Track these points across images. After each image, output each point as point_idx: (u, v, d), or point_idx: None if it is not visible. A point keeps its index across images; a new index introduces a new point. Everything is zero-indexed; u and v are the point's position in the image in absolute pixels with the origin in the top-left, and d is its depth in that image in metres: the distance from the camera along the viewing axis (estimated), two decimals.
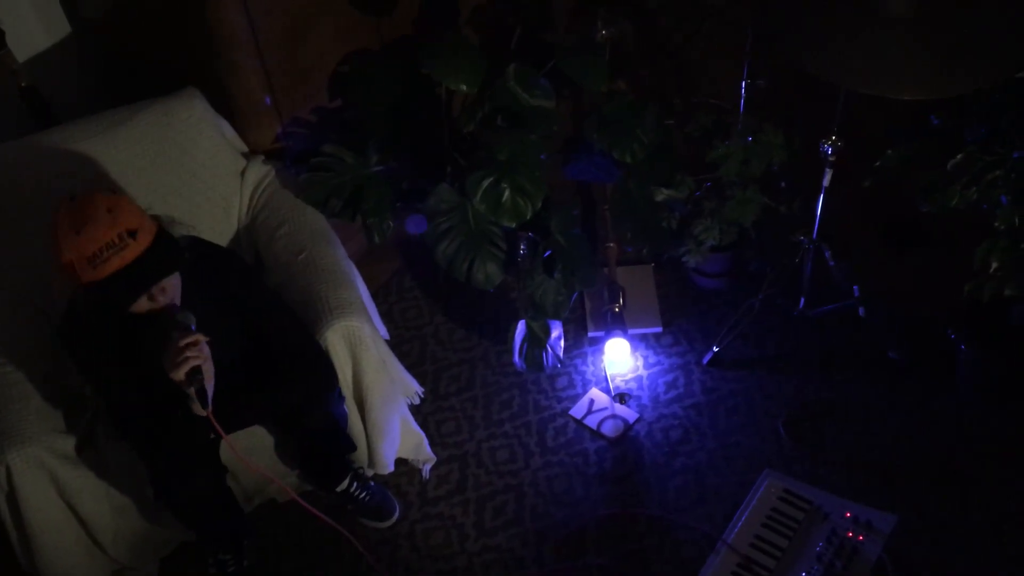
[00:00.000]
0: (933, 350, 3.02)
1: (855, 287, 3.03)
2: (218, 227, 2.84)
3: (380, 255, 3.36)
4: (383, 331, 3.01)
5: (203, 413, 2.18)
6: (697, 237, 3.10)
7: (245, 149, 2.94)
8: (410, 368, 3.08)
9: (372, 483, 2.85)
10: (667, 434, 2.99)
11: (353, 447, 2.74)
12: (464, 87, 2.79)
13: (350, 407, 2.68)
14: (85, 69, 3.16)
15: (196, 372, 2.13)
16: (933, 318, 3.04)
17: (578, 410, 3.08)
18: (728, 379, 3.10)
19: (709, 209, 3.09)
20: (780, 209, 3.05)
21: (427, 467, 2.96)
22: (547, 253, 2.88)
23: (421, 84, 2.92)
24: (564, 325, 3.22)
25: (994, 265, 2.49)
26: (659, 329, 3.26)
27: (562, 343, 3.19)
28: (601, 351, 3.18)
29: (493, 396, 3.13)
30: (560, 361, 3.14)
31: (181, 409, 2.21)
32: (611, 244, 3.27)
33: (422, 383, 3.12)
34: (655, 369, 3.16)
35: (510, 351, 3.03)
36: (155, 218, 2.17)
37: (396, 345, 3.21)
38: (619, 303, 3.21)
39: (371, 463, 2.83)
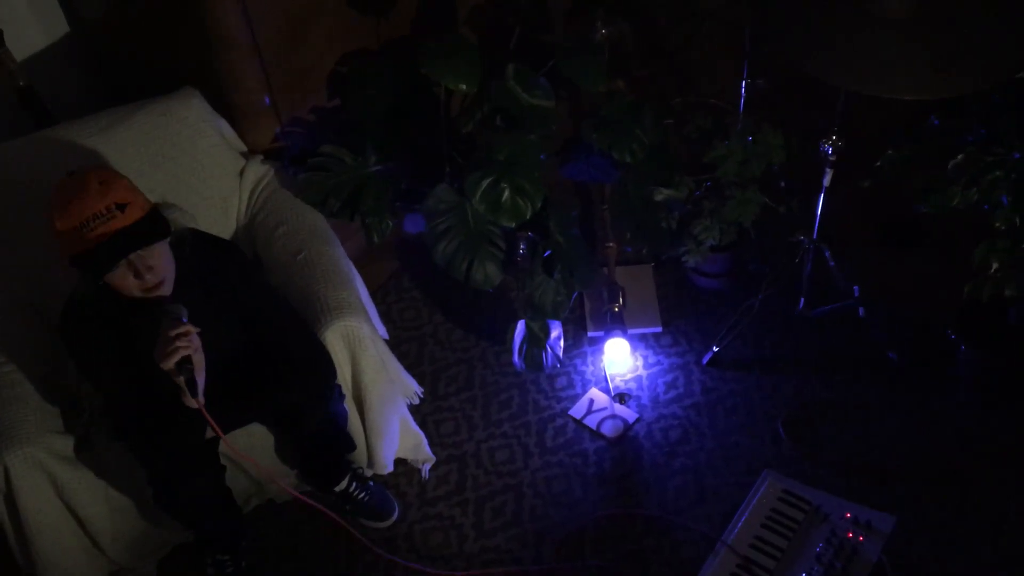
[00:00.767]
0: (933, 350, 3.02)
1: (855, 287, 3.03)
2: (216, 227, 2.83)
3: (379, 255, 3.36)
4: (382, 331, 3.01)
5: (194, 405, 2.17)
6: (696, 237, 3.10)
7: (244, 149, 2.94)
8: (409, 368, 3.08)
9: (371, 483, 2.85)
10: (666, 434, 2.99)
11: (353, 446, 2.74)
12: (463, 87, 2.79)
13: (349, 407, 2.68)
14: (83, 69, 3.16)
15: (186, 362, 2.13)
16: (933, 318, 3.04)
17: (577, 410, 3.07)
18: (728, 379, 3.10)
19: (708, 209, 3.09)
20: (780, 209, 3.04)
21: (426, 467, 2.96)
22: (546, 253, 2.87)
23: (420, 84, 2.91)
24: (563, 325, 3.22)
25: (994, 265, 2.49)
26: (659, 329, 3.25)
27: (561, 343, 3.19)
28: (600, 351, 3.17)
29: (492, 396, 3.13)
30: (559, 361, 3.14)
31: (180, 409, 2.21)
32: (610, 244, 3.27)
33: (421, 383, 3.12)
34: (654, 369, 3.16)
35: (509, 351, 3.03)
36: (155, 204, 2.18)
37: (395, 345, 3.20)
38: (618, 303, 3.21)
39: (370, 463, 2.83)
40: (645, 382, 3.13)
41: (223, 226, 2.86)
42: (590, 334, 3.27)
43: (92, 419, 2.51)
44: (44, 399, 2.45)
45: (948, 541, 2.67)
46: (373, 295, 3.11)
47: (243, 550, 2.72)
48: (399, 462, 2.95)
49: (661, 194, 3.04)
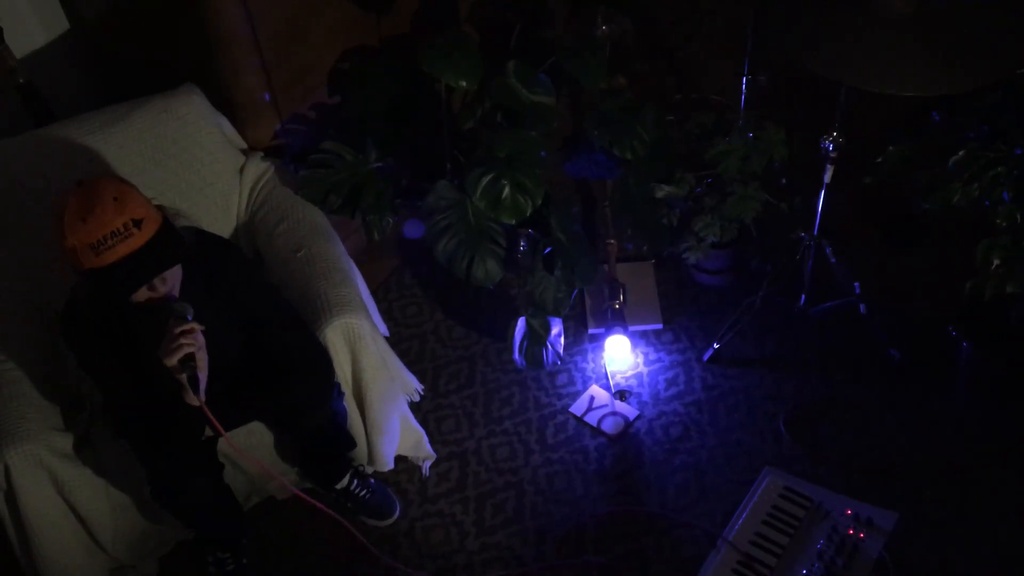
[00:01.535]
0: (934, 348, 3.02)
1: (856, 284, 3.02)
2: (217, 224, 2.83)
3: (380, 252, 3.36)
4: (383, 328, 3.01)
5: (195, 403, 2.18)
6: (698, 234, 3.10)
7: (244, 146, 2.93)
8: (410, 365, 3.08)
9: (372, 481, 2.85)
10: (667, 431, 2.99)
11: (353, 444, 2.74)
12: (464, 84, 2.79)
13: (349, 404, 2.68)
14: (83, 66, 3.15)
15: (189, 359, 2.14)
16: (934, 316, 3.04)
17: (578, 407, 3.07)
18: (729, 376, 3.10)
19: (709, 206, 3.08)
20: (781, 206, 3.04)
21: (427, 465, 2.96)
22: (547, 250, 2.87)
23: (421, 81, 2.91)
24: (564, 322, 3.22)
25: (996, 262, 2.49)
26: (659, 326, 3.25)
27: (562, 340, 3.19)
28: (601, 348, 3.17)
29: (493, 393, 3.13)
30: (560, 358, 3.13)
31: (179, 408, 2.21)
32: (611, 241, 3.26)
33: (422, 380, 3.12)
34: (655, 366, 3.15)
35: (510, 348, 3.03)
36: (160, 209, 2.17)
37: (396, 342, 3.20)
38: (619, 300, 3.20)
39: (371, 460, 2.83)
40: (646, 379, 3.12)
41: (223, 223, 2.85)
42: (591, 331, 3.26)
43: (92, 417, 2.51)
44: (44, 397, 2.45)
45: (949, 538, 2.67)
46: (374, 292, 3.11)
47: (243, 547, 2.72)
48: (400, 459, 2.95)
49: (662, 191, 3.04)
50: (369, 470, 2.89)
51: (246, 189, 2.88)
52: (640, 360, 3.17)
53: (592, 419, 3.04)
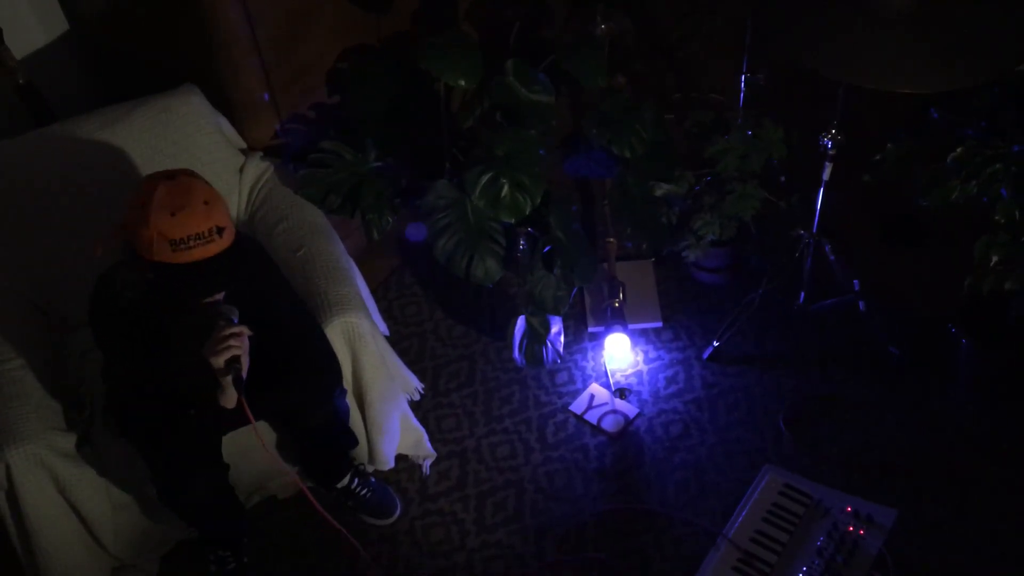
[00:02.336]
0: (933, 346, 3.02)
1: (855, 282, 3.03)
2: None
3: (379, 251, 3.36)
4: (383, 327, 3.01)
5: (232, 405, 2.21)
6: (697, 232, 3.10)
7: (243, 145, 2.94)
8: (410, 364, 3.08)
9: (373, 479, 2.85)
10: (667, 429, 2.99)
11: (355, 441, 2.75)
12: (463, 82, 2.79)
13: (350, 403, 2.68)
14: (83, 66, 3.15)
15: (235, 361, 2.17)
16: (933, 314, 3.04)
17: (578, 406, 3.07)
18: (728, 374, 3.10)
19: (709, 204, 3.09)
20: (780, 204, 3.04)
21: (427, 463, 2.96)
22: (546, 249, 2.87)
23: (420, 80, 2.91)
24: (564, 320, 3.22)
25: (994, 259, 2.49)
26: (659, 324, 3.25)
27: (562, 338, 3.19)
28: (601, 346, 3.17)
29: (493, 392, 3.13)
30: (560, 357, 3.14)
31: (187, 407, 2.22)
32: (611, 239, 3.27)
33: (422, 379, 3.12)
34: (655, 364, 3.16)
35: (510, 347, 3.03)
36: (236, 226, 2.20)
37: (396, 341, 3.20)
38: (619, 298, 3.20)
39: (371, 459, 2.83)
40: (646, 377, 3.13)
41: None
42: (590, 329, 3.27)
43: (93, 417, 2.51)
44: (46, 396, 2.46)
45: (949, 535, 2.67)
46: (374, 291, 3.12)
47: (245, 546, 2.72)
48: (400, 458, 2.95)
49: (661, 189, 3.04)
50: (370, 469, 2.89)
51: (246, 189, 2.88)
52: (640, 358, 3.18)
53: (592, 417, 3.04)
